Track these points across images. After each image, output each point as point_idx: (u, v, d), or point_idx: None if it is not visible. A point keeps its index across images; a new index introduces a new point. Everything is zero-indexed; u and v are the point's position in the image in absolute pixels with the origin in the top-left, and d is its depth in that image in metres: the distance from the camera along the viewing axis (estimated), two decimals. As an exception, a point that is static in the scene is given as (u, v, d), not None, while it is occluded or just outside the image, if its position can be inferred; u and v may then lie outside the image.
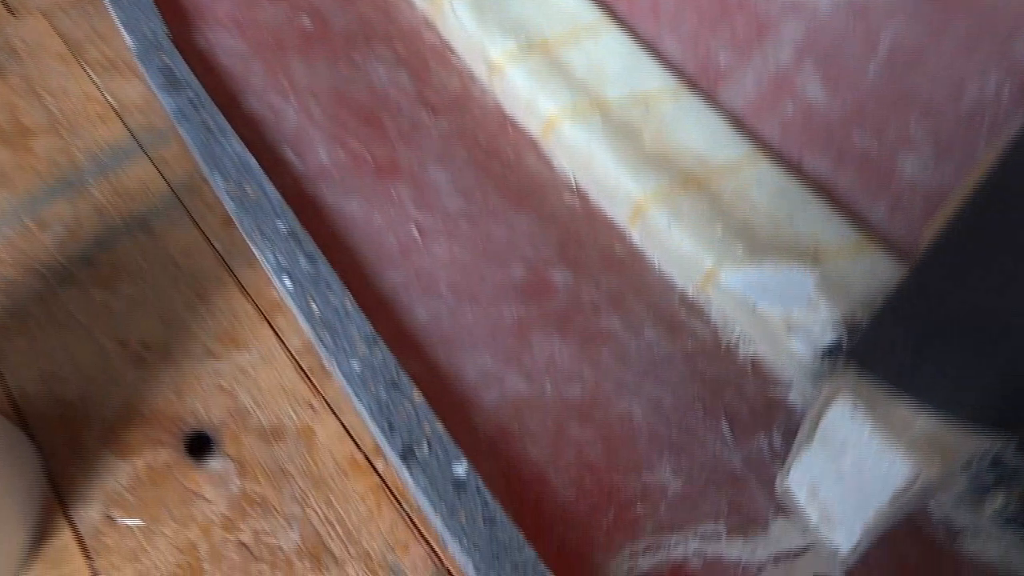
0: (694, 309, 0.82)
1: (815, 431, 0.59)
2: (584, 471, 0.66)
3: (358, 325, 0.68)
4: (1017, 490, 0.63)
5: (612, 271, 0.83)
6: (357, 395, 0.64)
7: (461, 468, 0.60)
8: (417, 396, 0.64)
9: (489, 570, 0.55)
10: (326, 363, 0.69)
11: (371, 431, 0.66)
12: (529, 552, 0.56)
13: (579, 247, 0.85)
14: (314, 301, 0.68)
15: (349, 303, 0.69)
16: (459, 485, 0.59)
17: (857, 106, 0.82)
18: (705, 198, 0.83)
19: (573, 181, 0.91)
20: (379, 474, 0.69)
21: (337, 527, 0.68)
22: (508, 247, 0.82)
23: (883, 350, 0.52)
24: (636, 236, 0.87)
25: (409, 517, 0.66)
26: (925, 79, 0.78)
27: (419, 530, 0.66)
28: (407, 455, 0.61)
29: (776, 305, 0.76)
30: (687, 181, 0.84)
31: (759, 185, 0.84)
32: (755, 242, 0.80)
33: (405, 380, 0.65)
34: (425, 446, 0.61)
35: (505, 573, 0.55)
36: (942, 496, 0.66)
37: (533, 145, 0.95)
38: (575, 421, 0.69)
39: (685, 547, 0.62)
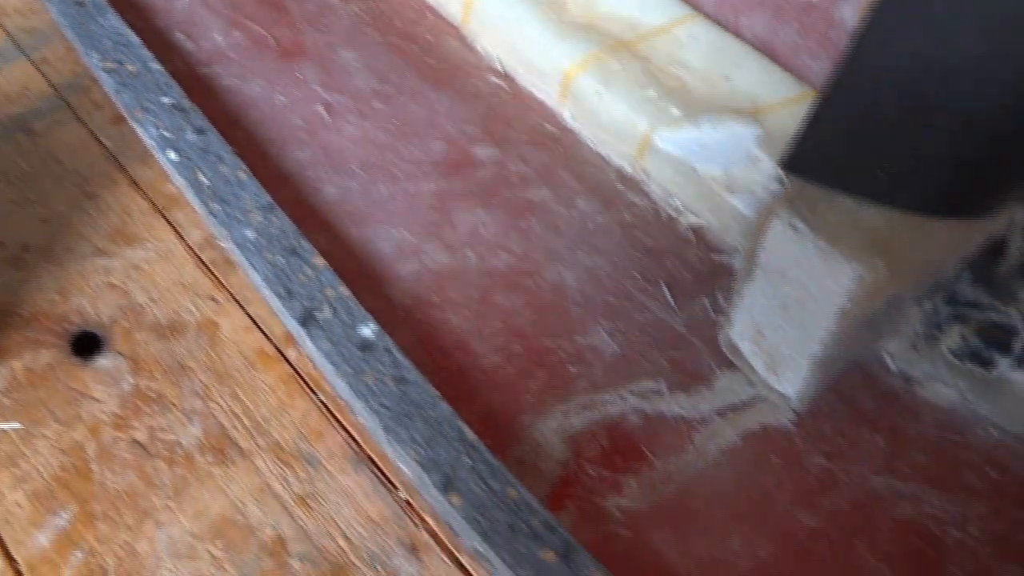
0: (631, 183, 0.76)
1: (755, 264, 0.54)
2: (512, 337, 0.60)
3: (252, 194, 0.61)
4: (972, 325, 0.58)
5: (541, 148, 0.77)
6: (252, 264, 0.57)
7: (368, 329, 0.54)
8: (319, 261, 0.57)
9: (399, 428, 0.49)
10: (220, 239, 0.62)
11: (269, 303, 0.59)
12: (444, 407, 0.50)
13: (505, 125, 0.79)
14: (202, 172, 0.62)
15: (243, 173, 0.62)
16: (366, 346, 0.53)
17: (791, -46, 0.77)
18: (636, 62, 0.77)
19: (498, 63, 0.85)
20: (291, 364, 0.63)
21: (244, 419, 0.62)
22: (427, 125, 0.76)
23: (817, 150, 0.47)
24: (567, 115, 0.81)
25: (325, 405, 0.60)
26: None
27: (336, 418, 0.60)
28: (307, 320, 0.54)
29: (716, 165, 0.71)
30: (617, 47, 0.79)
31: (693, 45, 0.78)
32: (691, 102, 0.74)
33: (305, 246, 0.58)
34: (327, 310, 0.55)
35: (417, 429, 0.49)
36: (897, 343, 0.62)
37: (453, 30, 0.88)
38: (501, 290, 0.63)
39: (623, 404, 0.57)
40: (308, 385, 0.61)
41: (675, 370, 0.60)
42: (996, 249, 0.59)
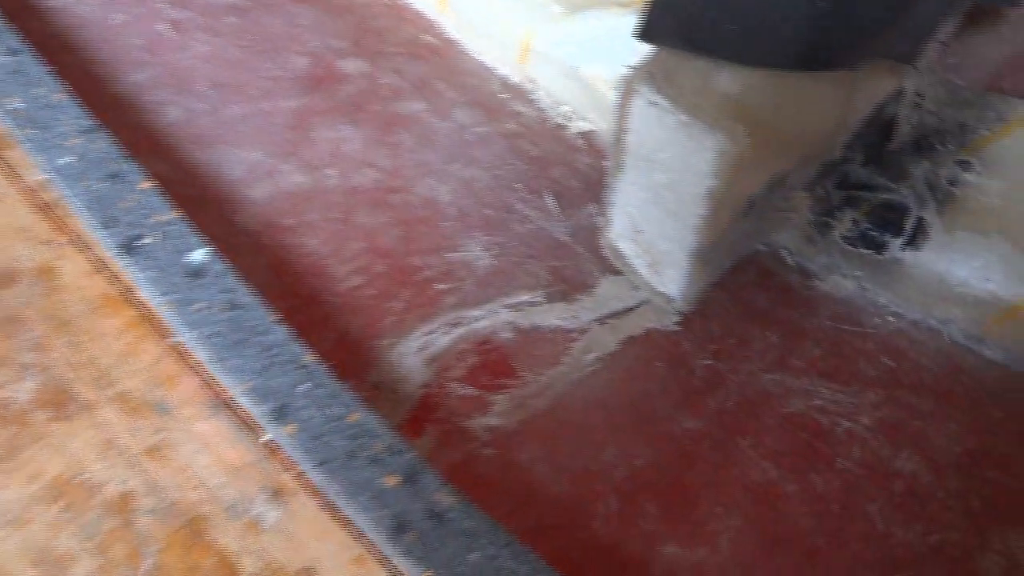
0: (517, 92, 0.71)
1: (623, 152, 0.49)
2: (375, 258, 0.55)
3: (72, 117, 0.54)
4: (864, 207, 0.54)
5: (418, 60, 0.71)
6: (70, 191, 0.51)
7: (199, 254, 0.48)
8: (145, 184, 0.51)
9: (230, 357, 0.44)
10: (42, 171, 0.56)
11: (89, 229, 0.53)
12: (280, 331, 0.45)
13: (378, 38, 0.72)
14: (16, 98, 0.54)
15: (61, 96, 0.55)
16: (196, 272, 0.47)
17: None
18: (512, -42, 0.71)
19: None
20: (140, 307, 0.58)
21: (86, 370, 0.57)
22: (288, 39, 0.69)
23: (668, 11, 0.41)
24: (447, 22, 0.75)
25: (178, 349, 0.55)
26: None
27: (191, 361, 0.55)
28: (129, 247, 0.48)
29: (602, 63, 0.65)
30: (490, -58, 0.72)
31: (572, -65, 0.72)
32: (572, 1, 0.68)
33: (131, 169, 0.52)
34: (152, 236, 0.49)
35: (250, 356, 0.44)
36: (792, 235, 0.58)
37: (322, -61, 0.80)
38: (365, 208, 0.58)
39: (494, 320, 0.52)
40: (159, 328, 0.56)
41: (555, 280, 0.56)
42: (886, 127, 0.55)
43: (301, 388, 0.43)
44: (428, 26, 0.75)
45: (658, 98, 0.44)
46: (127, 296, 0.57)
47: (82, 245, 0.59)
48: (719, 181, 0.43)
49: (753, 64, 0.39)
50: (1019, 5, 0.45)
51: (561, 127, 0.68)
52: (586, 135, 0.68)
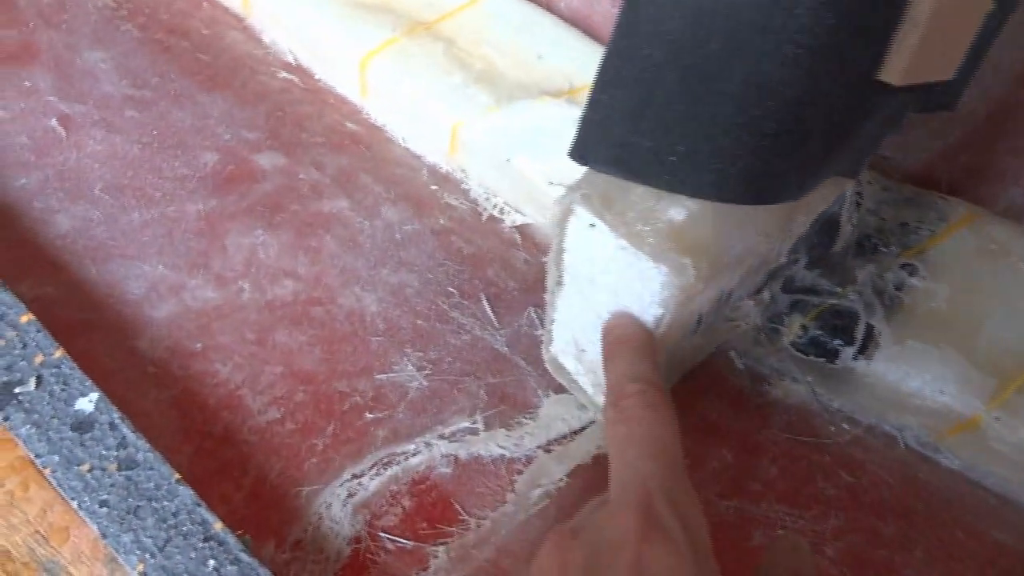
0: (448, 182, 0.67)
1: (562, 269, 0.45)
2: (295, 384, 0.50)
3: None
4: (812, 313, 0.53)
5: (341, 150, 0.67)
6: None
7: (88, 401, 0.42)
8: (25, 319, 0.45)
9: (121, 531, 0.38)
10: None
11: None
12: (185, 493, 0.39)
13: (297, 127, 0.68)
14: None
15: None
16: (83, 424, 0.41)
17: (597, -84, 0.69)
18: (438, 44, 0.68)
19: (290, 55, 0.74)
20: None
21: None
22: (195, 133, 0.64)
23: (602, 133, 0.39)
24: (370, 108, 0.71)
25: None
26: None
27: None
28: (6, 397, 0.42)
29: (532, 155, 0.62)
30: (416, 28, 0.69)
31: (500, 22, 0.70)
32: (501, 87, 0.66)
33: (10, 300, 0.45)
34: (33, 382, 0.42)
35: (147, 528, 0.38)
36: (741, 339, 0.56)
37: (236, 20, 0.76)
38: (284, 326, 0.53)
39: (430, 453, 0.47)
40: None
41: (495, 401, 0.51)
42: (830, 228, 0.53)
43: (209, 565, 0.37)
44: (351, 112, 0.71)
45: (597, 221, 0.40)
46: (8, 435, 0.50)
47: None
48: (666, 310, 0.40)
49: (697, 195, 0.37)
50: (953, 108, 0.44)
51: (495, 220, 0.65)
52: (521, 229, 0.65)
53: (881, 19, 0.34)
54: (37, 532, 0.48)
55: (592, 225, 0.41)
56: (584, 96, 0.64)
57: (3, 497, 0.49)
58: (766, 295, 0.53)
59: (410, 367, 0.52)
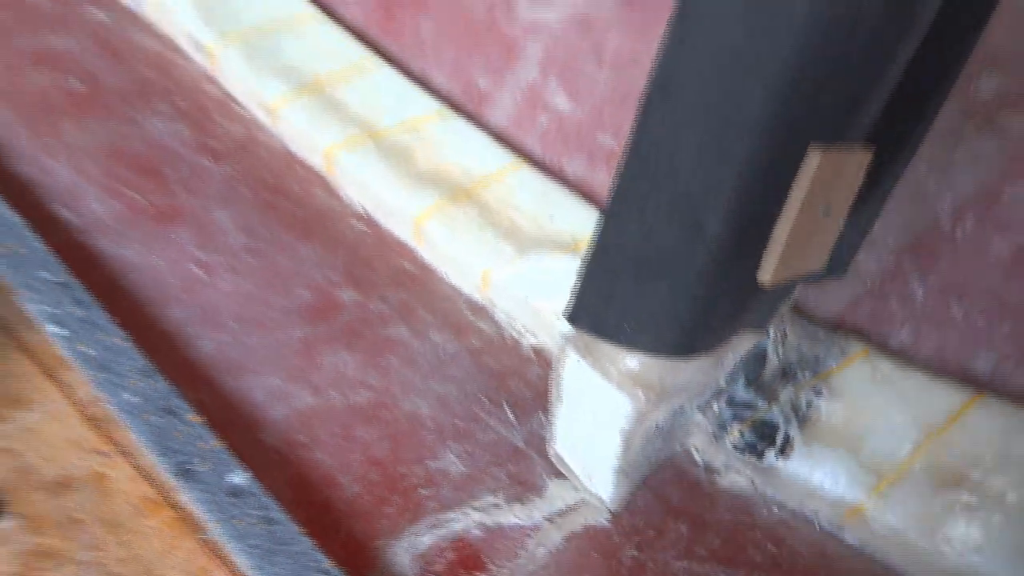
0: (480, 312, 0.88)
1: (560, 389, 0.65)
2: (371, 467, 0.69)
3: (131, 359, 0.69)
4: (748, 422, 0.71)
5: (401, 286, 0.88)
6: (132, 424, 0.65)
7: (238, 477, 0.62)
8: (193, 418, 0.65)
9: (267, 566, 0.57)
10: (113, 407, 0.70)
11: (148, 455, 0.67)
12: (304, 542, 0.59)
13: (367, 268, 0.89)
14: (84, 343, 0.69)
15: (122, 341, 0.70)
16: (237, 492, 0.61)
17: (597, 111, 0.92)
18: (475, 208, 0.90)
19: (361, 208, 0.97)
20: (176, 508, 0.70)
21: (133, 566, 0.68)
22: (294, 274, 0.86)
23: (582, 305, 0.59)
24: (423, 252, 0.93)
25: (208, 545, 0.67)
26: (642, 76, 0.89)
27: (220, 556, 0.67)
28: (182, 473, 0.62)
29: (545, 296, 0.83)
30: (458, 194, 0.91)
31: (522, 190, 0.92)
32: (521, 240, 0.87)
33: (180, 405, 0.66)
34: (200, 462, 0.63)
35: (282, 565, 0.57)
36: (695, 438, 0.75)
37: (320, 180, 0.99)
38: (362, 424, 0.73)
39: (466, 520, 0.67)
40: (193, 526, 0.69)
41: (513, 483, 0.71)
42: (761, 358, 0.73)
43: (322, 591, 0.56)
44: (409, 255, 0.93)
45: (581, 360, 0.61)
46: (166, 498, 0.70)
47: (127, 454, 0.72)
48: (628, 424, 0.60)
49: (644, 352, 0.57)
50: (842, 276, 0.65)
51: (516, 342, 0.85)
52: (536, 349, 0.85)
53: (754, 242, 0.54)
54: (186, 572, 0.67)
55: (578, 362, 0.61)
56: (583, 249, 0.85)
57: (161, 545, 0.68)
58: (714, 408, 0.72)
59: (452, 456, 0.72)
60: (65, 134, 0.92)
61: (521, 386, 0.81)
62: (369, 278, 0.88)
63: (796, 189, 0.50)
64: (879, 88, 0.51)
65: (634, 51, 0.89)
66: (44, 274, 0.73)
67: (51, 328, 0.70)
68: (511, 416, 0.77)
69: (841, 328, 0.77)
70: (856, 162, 0.54)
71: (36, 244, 0.76)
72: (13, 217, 0.79)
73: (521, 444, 0.74)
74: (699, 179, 0.49)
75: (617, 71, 0.90)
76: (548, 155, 0.96)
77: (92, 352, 0.69)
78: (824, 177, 0.51)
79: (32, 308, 0.72)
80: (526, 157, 0.96)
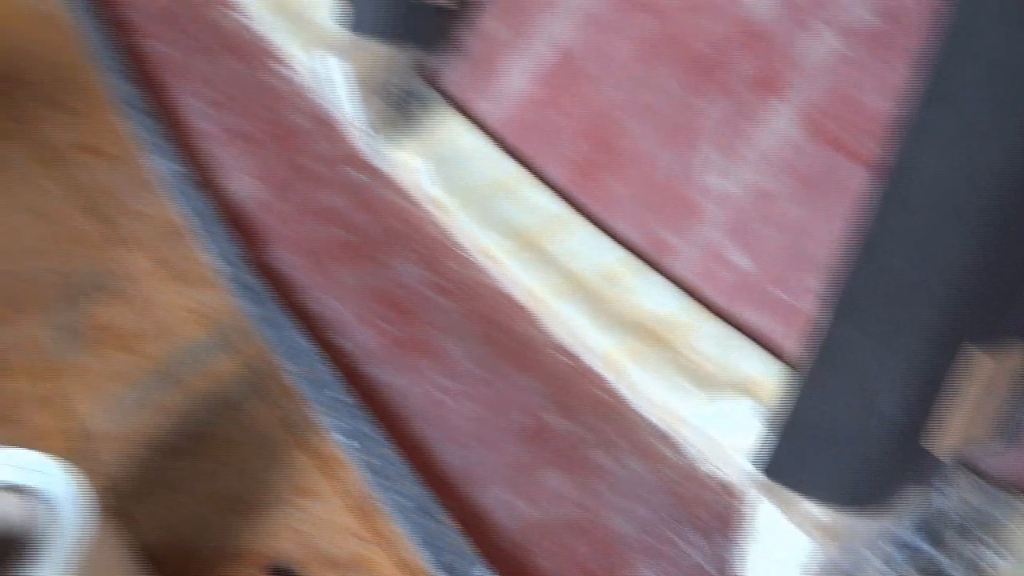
0: (668, 442, 1.03)
1: (753, 532, 0.79)
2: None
3: (398, 469, 0.89)
4: (924, 566, 0.81)
5: (598, 414, 1.05)
6: (399, 521, 0.85)
7: (478, 571, 0.80)
8: (445, 519, 0.84)
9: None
10: (382, 505, 0.90)
11: (422, 557, 0.85)
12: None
13: (570, 395, 1.07)
14: (372, 456, 0.91)
15: (397, 456, 0.91)
16: (485, 589, 0.79)
17: (773, 271, 1.06)
18: (663, 349, 1.06)
19: (564, 342, 1.15)
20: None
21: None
22: (513, 400, 1.05)
23: (765, 450, 0.73)
24: (615, 383, 1.09)
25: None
26: (818, 244, 1.03)
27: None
28: (438, 564, 0.81)
29: (729, 434, 0.97)
30: (647, 336, 1.08)
31: (705, 336, 1.07)
32: (706, 383, 1.02)
33: (436, 508, 0.85)
34: (459, 558, 0.81)
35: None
36: None
37: (528, 315, 1.19)
38: (573, 536, 0.89)
39: (663, 629, 0.80)
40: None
41: (702, 598, 0.83)
42: (931, 508, 0.83)
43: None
44: (605, 385, 1.09)
45: (762, 497, 0.74)
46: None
47: (390, 544, 0.92)
48: (803, 562, 0.72)
49: (821, 502, 0.69)
50: (1006, 443, 0.74)
51: (702, 473, 0.99)
52: (719, 480, 0.98)
53: (926, 416, 0.66)
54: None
55: (760, 499, 0.74)
56: (762, 395, 0.97)
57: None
58: (889, 551, 0.82)
59: (649, 572, 0.86)
60: (338, 277, 1.18)
61: (706, 513, 0.94)
62: (573, 405, 1.06)
63: (967, 388, 0.63)
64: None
65: (810, 221, 1.03)
66: (331, 392, 0.96)
67: (339, 437, 0.92)
68: (698, 539, 0.90)
69: (1015, 488, 0.85)
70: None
71: (323, 367, 1.00)
72: (307, 344, 1.04)
73: (706, 565, 0.87)
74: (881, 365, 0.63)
75: (791, 235, 1.05)
76: (727, 304, 1.11)
77: (370, 460, 0.91)
78: (989, 375, 0.63)
79: (322, 419, 0.94)
80: (707, 305, 1.11)
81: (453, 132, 1.33)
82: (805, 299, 1.04)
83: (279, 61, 1.41)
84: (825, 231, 1.02)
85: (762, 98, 1.09)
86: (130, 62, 1.43)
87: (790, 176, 1.04)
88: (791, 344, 1.06)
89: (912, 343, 0.61)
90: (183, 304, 1.15)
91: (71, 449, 1.01)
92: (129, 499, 0.95)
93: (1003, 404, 0.68)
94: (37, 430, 1.03)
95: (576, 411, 1.05)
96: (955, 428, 0.66)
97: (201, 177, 1.29)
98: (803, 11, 1.09)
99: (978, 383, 0.62)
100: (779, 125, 1.06)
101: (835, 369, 0.67)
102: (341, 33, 1.27)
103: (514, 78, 1.34)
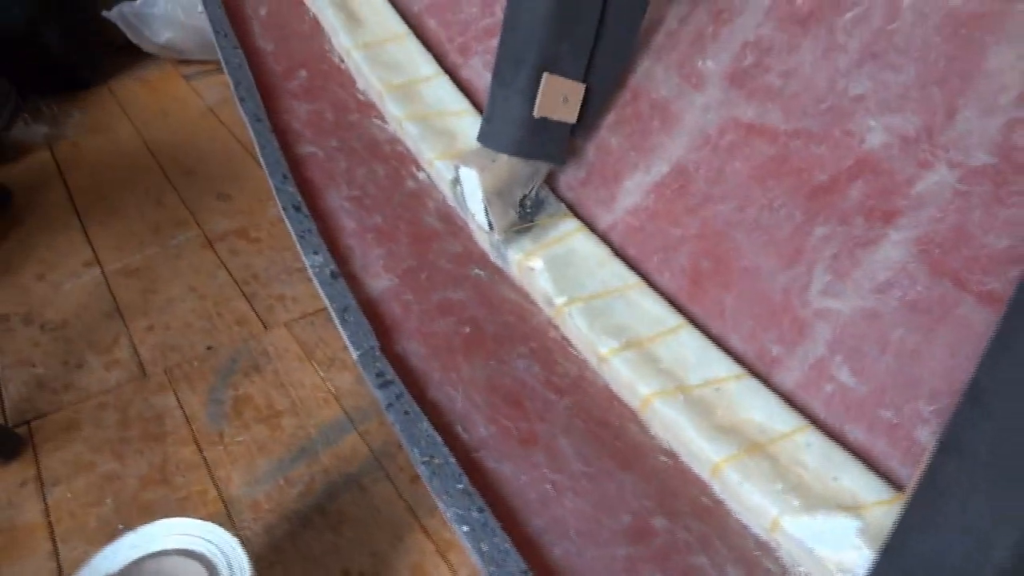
0: (767, 550, 1.05)
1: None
2: None
3: (515, 562, 0.96)
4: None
5: (700, 518, 1.09)
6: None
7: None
8: (557, 615, 0.90)
9: None
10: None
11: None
12: None
13: (674, 498, 1.12)
14: (484, 543, 0.98)
15: (508, 544, 0.98)
16: None
17: (878, 390, 1.09)
18: (767, 461, 1.10)
19: (668, 446, 1.20)
20: None
21: None
22: (617, 499, 1.10)
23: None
24: (717, 489, 1.13)
25: None
26: (926, 370, 1.06)
27: None
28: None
29: (829, 549, 0.99)
30: (752, 447, 1.12)
31: (808, 450, 1.10)
32: (808, 497, 1.04)
33: (548, 603, 0.91)
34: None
35: None
36: None
37: (636, 417, 1.25)
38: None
39: None
40: None
41: None
42: None
43: None
44: (707, 490, 1.14)
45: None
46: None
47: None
48: None
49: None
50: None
51: (798, 584, 1.01)
52: (816, 593, 1.00)
53: None
54: None
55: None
56: (872, 513, 1.00)
57: None
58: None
59: None
60: (459, 368, 1.29)
61: (804, 627, 0.95)
62: (675, 507, 1.10)
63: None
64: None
65: (916, 345, 1.06)
66: (458, 485, 1.05)
67: (461, 528, 1.00)
68: (796, 654, 0.92)
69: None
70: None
71: (451, 460, 1.09)
72: (429, 431, 1.14)
73: None
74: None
75: (900, 360, 1.08)
76: (832, 421, 1.14)
77: (485, 548, 0.98)
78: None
79: (449, 514, 1.03)
80: (813, 420, 1.14)
81: (572, 238, 1.44)
82: (911, 422, 1.06)
83: (420, 168, 1.57)
84: (934, 358, 1.04)
85: (877, 227, 1.15)
86: (287, 160, 1.63)
87: (901, 303, 1.07)
88: (895, 464, 1.08)
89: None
90: (320, 385, 1.28)
91: (213, 514, 1.13)
92: (266, 566, 1.06)
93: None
94: (185, 492, 1.16)
95: (680, 515, 1.09)
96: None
97: (342, 269, 1.44)
98: (920, 147, 1.15)
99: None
100: (893, 254, 1.11)
101: (946, 505, 0.70)
102: (476, 146, 1.42)
103: (632, 190, 1.44)
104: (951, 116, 1.14)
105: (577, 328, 1.34)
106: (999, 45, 1.11)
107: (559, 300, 1.37)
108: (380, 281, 1.43)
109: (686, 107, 1.49)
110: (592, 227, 1.47)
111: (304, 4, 1.91)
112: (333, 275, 1.41)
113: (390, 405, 1.17)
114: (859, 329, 1.12)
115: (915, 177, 1.13)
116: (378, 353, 1.25)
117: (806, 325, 1.18)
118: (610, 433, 1.22)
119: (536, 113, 1.17)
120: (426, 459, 1.10)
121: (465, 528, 1.00)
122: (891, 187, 1.16)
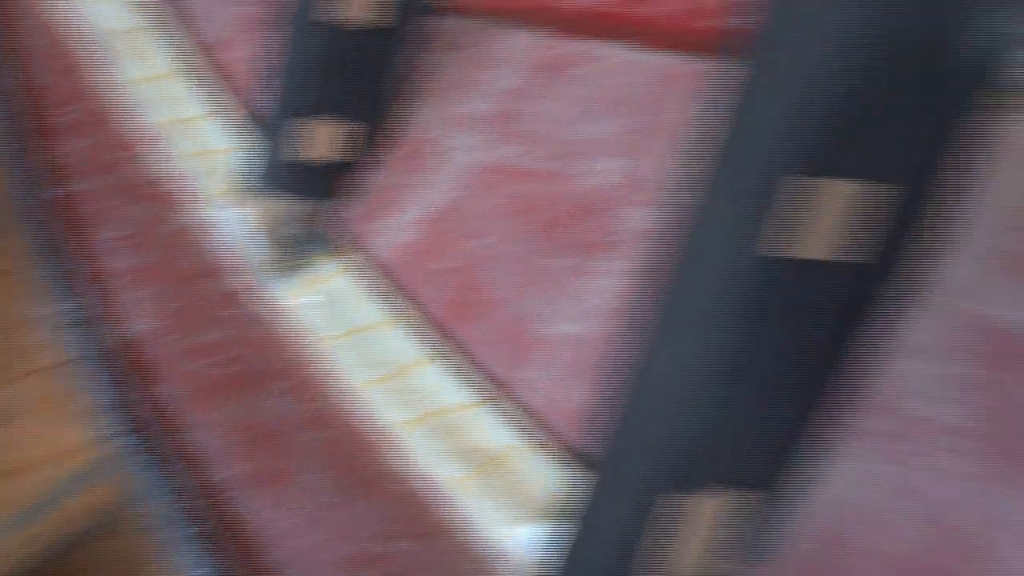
0: (497, 565, 1.13)
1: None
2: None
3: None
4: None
5: (434, 539, 1.16)
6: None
7: None
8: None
9: None
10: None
11: None
12: None
13: (411, 522, 1.18)
14: (209, 585, 1.00)
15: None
16: None
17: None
18: (501, 479, 1.18)
19: (415, 470, 1.26)
20: None
21: None
22: (362, 527, 1.15)
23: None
24: (458, 508, 1.20)
25: None
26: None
27: None
28: None
29: (535, 554, 1.08)
30: (488, 465, 1.20)
31: (532, 467, 1.19)
32: (535, 509, 1.13)
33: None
34: None
35: None
36: None
37: (387, 444, 1.31)
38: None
39: None
40: None
41: None
42: None
43: None
44: (445, 509, 1.21)
45: None
46: None
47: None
48: None
49: None
50: None
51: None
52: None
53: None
54: None
55: None
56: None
57: None
58: None
59: None
60: (218, 408, 1.30)
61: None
62: (414, 531, 1.16)
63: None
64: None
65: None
66: (193, 529, 1.06)
67: (191, 572, 1.02)
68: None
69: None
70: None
71: (185, 503, 1.10)
72: (173, 479, 1.15)
73: None
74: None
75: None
76: (572, 438, 1.23)
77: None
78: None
79: (176, 554, 1.04)
80: (556, 437, 1.24)
81: (341, 274, 1.48)
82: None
83: (193, 206, 1.57)
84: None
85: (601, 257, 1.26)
86: (49, 198, 1.58)
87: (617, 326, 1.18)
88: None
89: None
90: (62, 437, 1.25)
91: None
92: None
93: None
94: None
95: (418, 538, 1.15)
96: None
97: (104, 311, 1.41)
98: (628, 189, 1.27)
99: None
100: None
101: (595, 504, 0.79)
102: (242, 185, 1.44)
103: (404, 226, 1.50)
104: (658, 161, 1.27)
105: (339, 362, 1.38)
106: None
107: (325, 334, 1.40)
108: (144, 323, 1.42)
109: (455, 147, 1.57)
110: (364, 262, 1.52)
111: (80, 36, 1.86)
112: (83, 320, 1.39)
113: (132, 455, 1.17)
114: (592, 352, 1.23)
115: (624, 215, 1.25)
116: (129, 402, 1.25)
117: (549, 348, 1.28)
118: (361, 463, 1.26)
119: (303, 153, 1.21)
120: (167, 506, 1.11)
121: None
122: (612, 223, 1.28)
